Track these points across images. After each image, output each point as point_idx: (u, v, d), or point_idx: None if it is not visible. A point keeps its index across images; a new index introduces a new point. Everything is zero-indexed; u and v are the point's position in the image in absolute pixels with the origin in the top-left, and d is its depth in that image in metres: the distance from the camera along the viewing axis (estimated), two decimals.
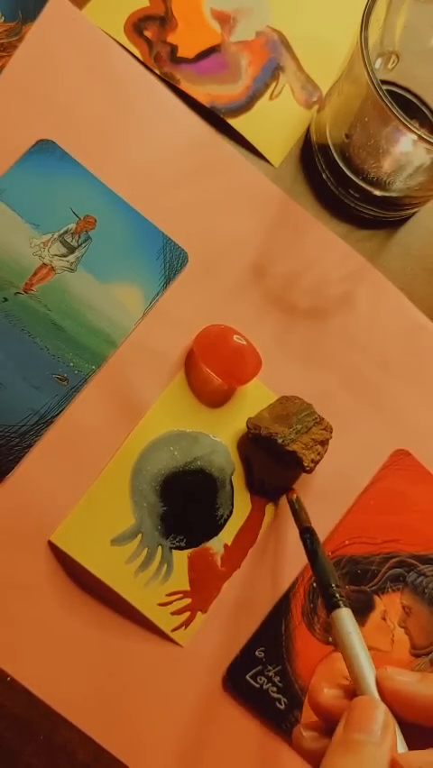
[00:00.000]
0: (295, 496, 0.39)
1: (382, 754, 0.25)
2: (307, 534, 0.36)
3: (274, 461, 0.40)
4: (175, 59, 0.43)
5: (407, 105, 0.43)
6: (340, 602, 0.31)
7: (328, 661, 0.39)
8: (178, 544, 0.38)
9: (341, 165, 0.42)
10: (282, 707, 0.38)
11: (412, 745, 0.27)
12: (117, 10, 0.43)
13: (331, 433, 0.39)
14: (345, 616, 0.31)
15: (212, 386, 0.40)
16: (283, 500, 0.40)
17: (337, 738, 0.26)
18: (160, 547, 0.38)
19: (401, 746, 0.27)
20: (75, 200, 0.40)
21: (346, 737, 0.26)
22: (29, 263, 0.39)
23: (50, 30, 0.41)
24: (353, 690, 0.29)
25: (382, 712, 0.27)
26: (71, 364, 0.39)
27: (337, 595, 0.32)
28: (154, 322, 0.40)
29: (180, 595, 0.38)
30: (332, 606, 0.31)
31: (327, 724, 0.28)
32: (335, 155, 0.42)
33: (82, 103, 0.41)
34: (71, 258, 0.39)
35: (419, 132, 0.34)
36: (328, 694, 0.29)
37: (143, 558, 0.38)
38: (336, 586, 0.32)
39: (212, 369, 0.40)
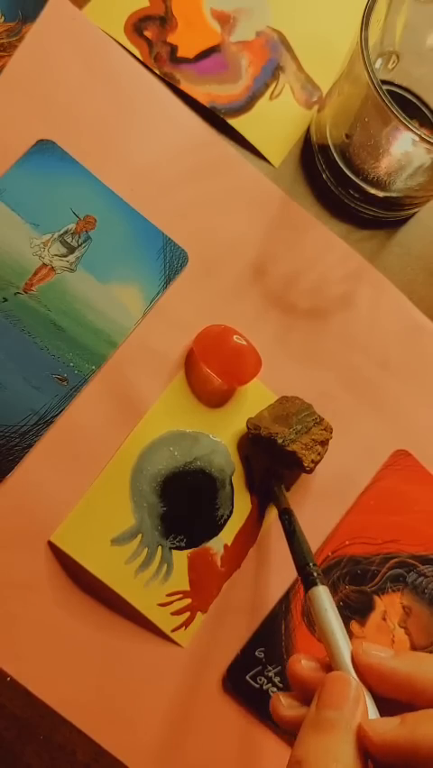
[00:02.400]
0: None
1: (353, 730, 0.25)
2: (285, 516, 0.36)
3: (274, 462, 0.40)
4: (175, 59, 0.43)
5: (407, 105, 0.43)
6: (317, 580, 0.32)
7: None
8: (178, 544, 0.38)
9: (341, 165, 0.42)
10: None
11: None
12: (117, 10, 0.43)
13: (331, 433, 0.39)
14: (321, 593, 0.31)
15: (212, 386, 0.40)
16: None
17: (310, 717, 0.26)
18: (160, 547, 0.38)
19: (374, 716, 0.26)
20: (75, 200, 0.40)
21: (318, 716, 0.26)
22: (29, 263, 0.39)
23: (50, 30, 0.41)
24: (330, 665, 0.29)
25: (354, 689, 0.27)
26: (71, 364, 0.39)
27: (315, 573, 0.32)
28: (154, 322, 0.40)
29: (180, 595, 0.38)
30: (309, 584, 0.32)
31: (304, 695, 0.29)
32: (335, 155, 0.42)
33: (82, 103, 0.41)
34: (71, 258, 0.39)
35: (418, 132, 0.34)
36: (306, 665, 0.29)
37: (143, 558, 0.38)
38: (313, 564, 0.33)
39: (212, 369, 0.40)
